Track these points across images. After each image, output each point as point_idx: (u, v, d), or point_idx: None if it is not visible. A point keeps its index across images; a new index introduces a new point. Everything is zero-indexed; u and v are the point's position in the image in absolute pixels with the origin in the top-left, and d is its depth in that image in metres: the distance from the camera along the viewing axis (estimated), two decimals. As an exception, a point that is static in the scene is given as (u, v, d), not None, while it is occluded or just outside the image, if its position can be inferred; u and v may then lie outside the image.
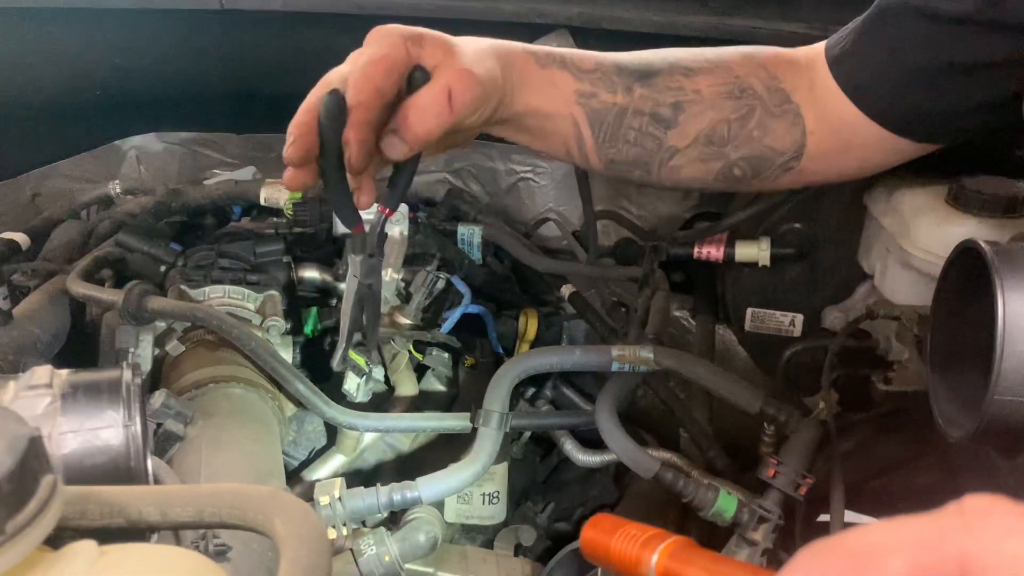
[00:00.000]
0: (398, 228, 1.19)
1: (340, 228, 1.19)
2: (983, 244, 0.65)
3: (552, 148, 0.87)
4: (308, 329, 1.18)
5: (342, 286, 1.21)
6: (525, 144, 0.87)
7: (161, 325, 1.04)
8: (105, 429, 0.51)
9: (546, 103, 0.82)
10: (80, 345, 1.06)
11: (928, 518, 0.30)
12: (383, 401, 1.14)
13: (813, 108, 0.86)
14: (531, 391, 1.15)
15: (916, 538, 0.29)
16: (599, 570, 0.87)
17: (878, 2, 0.83)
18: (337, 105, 0.67)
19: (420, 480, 0.94)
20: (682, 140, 0.85)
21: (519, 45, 0.83)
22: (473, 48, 0.76)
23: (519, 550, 1.09)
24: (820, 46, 0.88)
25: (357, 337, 0.80)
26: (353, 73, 0.69)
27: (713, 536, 0.93)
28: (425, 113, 0.69)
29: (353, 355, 1.05)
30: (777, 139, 0.86)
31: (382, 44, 0.71)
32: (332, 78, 0.71)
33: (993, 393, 0.62)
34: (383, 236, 0.77)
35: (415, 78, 0.71)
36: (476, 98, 0.73)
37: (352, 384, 1.07)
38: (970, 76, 0.77)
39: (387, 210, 0.74)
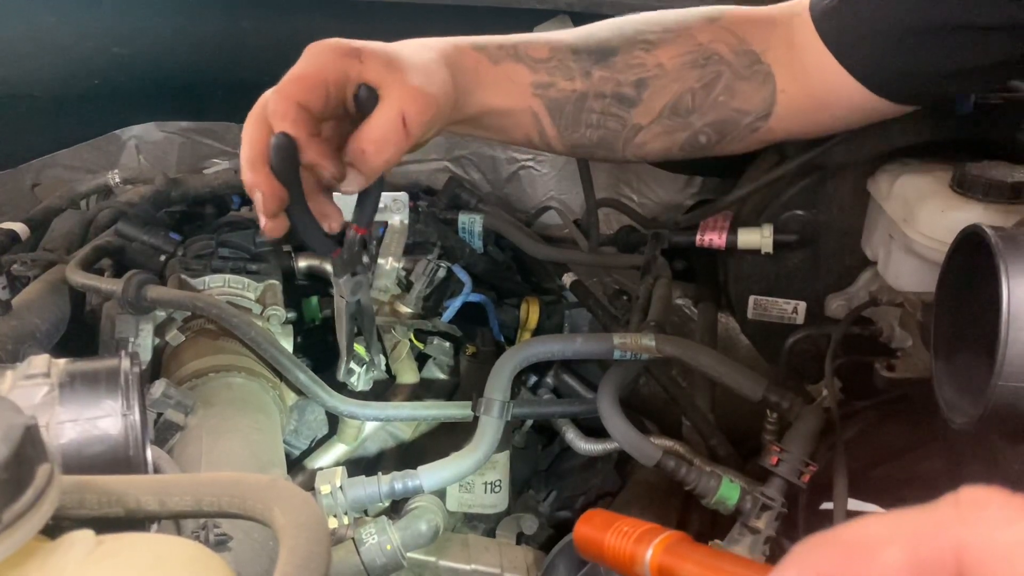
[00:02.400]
0: (398, 217, 1.19)
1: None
2: (987, 229, 0.64)
3: (513, 140, 0.86)
4: (309, 318, 1.18)
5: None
6: (484, 139, 0.87)
7: (161, 315, 1.04)
8: (103, 418, 0.51)
9: (503, 100, 0.81)
10: (80, 335, 1.06)
11: (924, 510, 0.30)
12: (384, 390, 1.13)
13: (788, 66, 0.84)
14: (533, 379, 1.14)
15: (912, 529, 0.29)
16: (600, 559, 0.87)
17: None
18: (287, 146, 0.66)
19: (422, 469, 0.94)
20: (646, 117, 0.84)
21: (467, 41, 0.80)
22: (420, 60, 0.73)
23: (521, 539, 1.09)
24: (798, 8, 0.87)
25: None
26: (272, 93, 0.68)
27: (716, 524, 0.93)
28: (382, 144, 0.68)
29: (355, 347, 1.05)
30: (744, 100, 0.84)
31: (309, 61, 0.70)
32: (256, 110, 0.70)
33: (997, 379, 0.61)
34: (361, 254, 0.76)
35: (361, 97, 0.70)
36: (431, 119, 0.71)
37: (353, 374, 1.07)
38: (953, 39, 0.77)
39: (360, 228, 0.74)
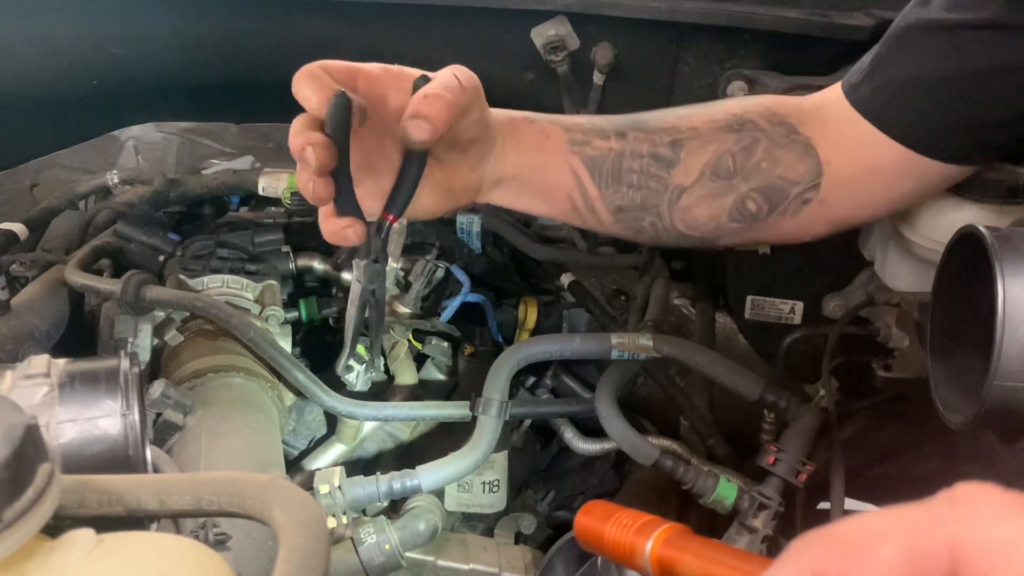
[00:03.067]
0: (397, 217, 1.19)
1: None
2: (983, 230, 0.65)
3: (557, 205, 0.85)
4: (307, 318, 1.18)
5: (342, 276, 1.21)
6: (530, 210, 0.87)
7: (160, 315, 1.04)
8: (103, 418, 0.51)
9: (540, 154, 0.82)
10: (79, 335, 1.06)
11: (919, 506, 0.30)
12: (382, 390, 1.14)
13: (826, 139, 0.84)
14: (531, 379, 1.15)
15: (907, 525, 0.30)
16: (599, 558, 0.87)
17: (892, 27, 0.82)
18: (344, 107, 0.68)
19: (420, 468, 0.94)
20: (687, 177, 0.83)
21: (502, 109, 0.82)
22: None
23: (519, 538, 1.09)
24: (826, 91, 0.87)
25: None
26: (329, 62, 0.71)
27: (713, 523, 0.93)
28: (444, 93, 0.70)
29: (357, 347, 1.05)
30: (789, 168, 0.83)
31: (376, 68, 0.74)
32: (311, 69, 0.71)
33: (993, 379, 0.62)
34: (387, 242, 0.77)
35: (418, 84, 0.73)
36: (476, 85, 0.74)
37: (352, 373, 1.07)
38: (991, 84, 0.76)
39: (391, 216, 0.74)
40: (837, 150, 0.83)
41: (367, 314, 0.79)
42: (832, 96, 0.85)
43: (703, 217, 0.84)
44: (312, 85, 0.68)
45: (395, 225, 1.17)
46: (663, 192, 0.83)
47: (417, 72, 0.74)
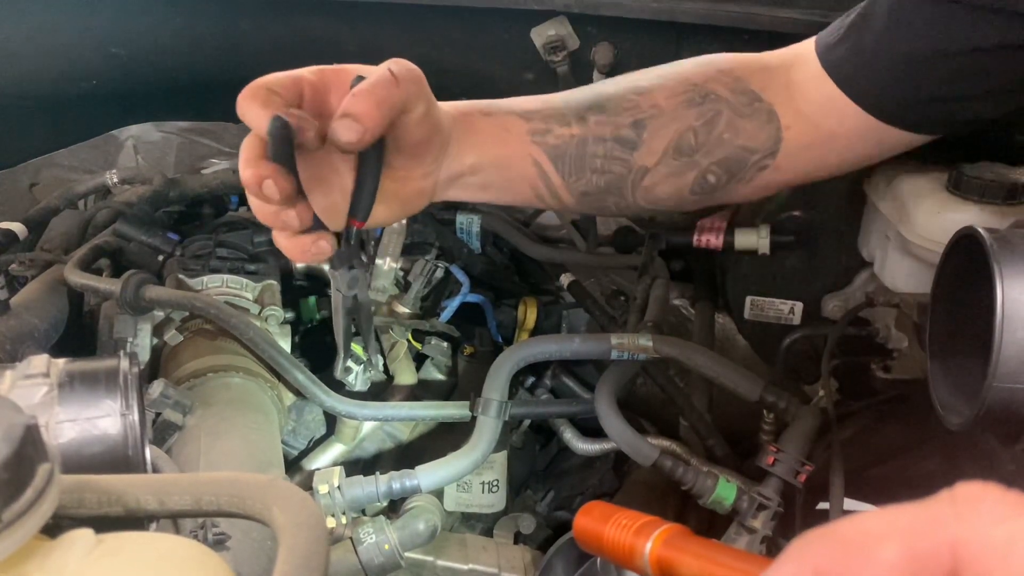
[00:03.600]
0: (396, 217, 1.19)
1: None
2: (982, 231, 0.65)
3: (520, 196, 0.83)
4: (306, 318, 1.18)
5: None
6: (492, 201, 0.84)
7: (159, 315, 1.04)
8: (102, 418, 0.51)
9: (500, 149, 0.79)
10: (78, 335, 1.06)
11: (920, 506, 0.30)
12: (382, 390, 1.14)
13: (790, 104, 0.83)
14: (530, 380, 1.15)
15: (908, 525, 0.30)
16: (598, 559, 0.87)
17: None
18: (282, 130, 0.65)
19: (419, 469, 0.94)
20: (650, 158, 0.82)
21: (452, 103, 0.79)
22: None
23: (519, 538, 1.09)
24: (799, 45, 0.86)
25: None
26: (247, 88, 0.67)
27: (713, 524, 0.93)
28: (373, 89, 0.66)
29: (353, 346, 1.05)
30: (750, 137, 0.83)
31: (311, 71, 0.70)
32: (242, 109, 0.67)
33: (992, 380, 0.62)
34: (362, 247, 0.75)
35: (355, 84, 0.69)
36: (416, 78, 0.70)
37: (351, 374, 1.07)
38: (968, 62, 0.76)
39: (356, 222, 0.72)
40: (799, 116, 0.83)
41: (354, 319, 0.78)
42: (803, 52, 0.85)
43: (665, 194, 0.84)
44: (255, 106, 0.65)
45: (395, 226, 1.17)
46: (627, 174, 0.83)
47: (356, 68, 0.70)
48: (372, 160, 0.71)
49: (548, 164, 0.81)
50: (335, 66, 0.71)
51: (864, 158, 0.87)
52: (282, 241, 0.70)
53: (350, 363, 1.06)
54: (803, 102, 0.83)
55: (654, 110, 0.82)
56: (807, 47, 0.85)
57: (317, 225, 0.69)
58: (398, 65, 0.69)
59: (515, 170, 0.81)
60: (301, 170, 0.67)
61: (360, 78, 0.69)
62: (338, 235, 0.73)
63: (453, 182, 0.79)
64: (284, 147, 0.65)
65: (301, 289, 1.22)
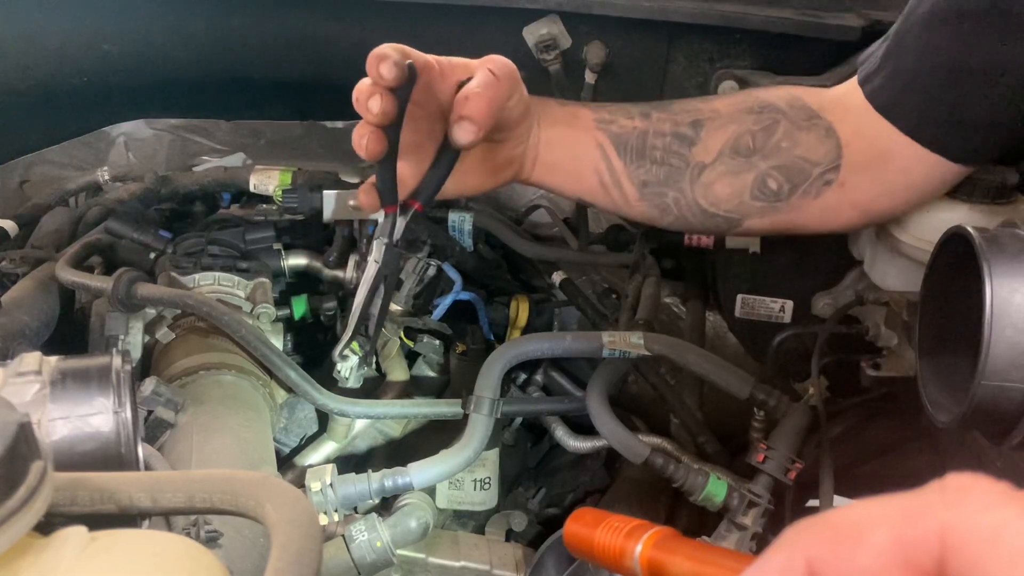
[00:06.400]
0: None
1: (330, 214, 1.19)
2: (971, 230, 0.65)
3: (585, 182, 0.89)
4: (298, 316, 1.18)
5: (333, 273, 1.21)
6: (563, 188, 0.91)
7: (151, 312, 1.04)
8: (95, 416, 0.51)
9: (569, 130, 0.87)
10: (70, 332, 1.06)
11: (910, 495, 0.31)
12: (374, 387, 1.14)
13: (847, 123, 0.85)
14: (522, 377, 1.15)
15: (898, 513, 0.30)
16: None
17: (903, 15, 0.83)
18: (413, 75, 0.71)
19: (411, 466, 0.94)
20: (707, 155, 0.86)
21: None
22: None
23: (510, 535, 1.09)
24: (850, 81, 0.88)
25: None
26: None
27: (703, 521, 0.94)
28: (484, 91, 0.74)
29: (353, 345, 1.04)
30: (809, 149, 0.85)
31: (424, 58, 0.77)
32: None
33: (980, 378, 0.62)
34: (404, 230, 0.78)
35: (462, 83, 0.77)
36: (512, 72, 0.78)
37: (344, 369, 1.07)
38: (999, 79, 0.76)
39: (417, 204, 0.77)
40: (856, 134, 0.85)
41: (373, 302, 0.80)
42: (851, 86, 0.87)
43: (724, 194, 0.87)
44: (395, 53, 0.71)
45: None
46: (684, 169, 0.87)
47: (461, 62, 0.78)
48: (451, 154, 0.77)
49: (611, 149, 0.87)
50: (447, 59, 0.78)
51: (926, 185, 0.87)
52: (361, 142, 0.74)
53: (348, 351, 1.05)
54: (858, 124, 0.85)
55: (713, 113, 0.87)
56: (853, 82, 0.88)
57: (389, 185, 0.75)
58: (496, 64, 0.77)
59: (581, 148, 0.87)
60: (405, 130, 0.75)
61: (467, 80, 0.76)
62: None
63: (535, 162, 0.87)
64: (406, 89, 0.71)
65: (293, 287, 1.22)
